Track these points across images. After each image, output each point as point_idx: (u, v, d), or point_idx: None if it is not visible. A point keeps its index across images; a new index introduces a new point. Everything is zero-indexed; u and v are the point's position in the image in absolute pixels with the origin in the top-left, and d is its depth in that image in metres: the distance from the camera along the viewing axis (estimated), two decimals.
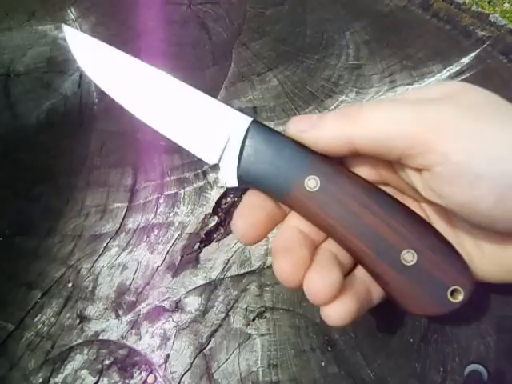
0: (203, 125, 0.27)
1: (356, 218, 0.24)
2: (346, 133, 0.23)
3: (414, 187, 0.25)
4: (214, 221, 0.37)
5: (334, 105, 0.41)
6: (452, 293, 0.24)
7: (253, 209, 0.26)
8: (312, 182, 0.24)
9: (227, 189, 0.38)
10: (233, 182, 0.27)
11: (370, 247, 0.24)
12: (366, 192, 0.24)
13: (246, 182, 0.26)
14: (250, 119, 0.27)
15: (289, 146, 0.25)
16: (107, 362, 0.33)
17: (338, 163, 0.26)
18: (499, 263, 0.25)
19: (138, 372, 0.33)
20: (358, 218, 0.24)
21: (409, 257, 0.24)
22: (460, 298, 0.24)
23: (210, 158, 0.27)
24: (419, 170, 0.23)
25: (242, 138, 0.26)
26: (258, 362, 0.33)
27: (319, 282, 0.23)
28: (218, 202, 0.38)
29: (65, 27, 0.30)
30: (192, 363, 0.33)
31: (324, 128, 0.24)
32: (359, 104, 0.24)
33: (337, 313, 0.23)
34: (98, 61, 0.29)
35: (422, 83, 0.41)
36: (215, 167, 0.27)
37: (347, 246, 0.25)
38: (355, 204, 0.24)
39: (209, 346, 0.33)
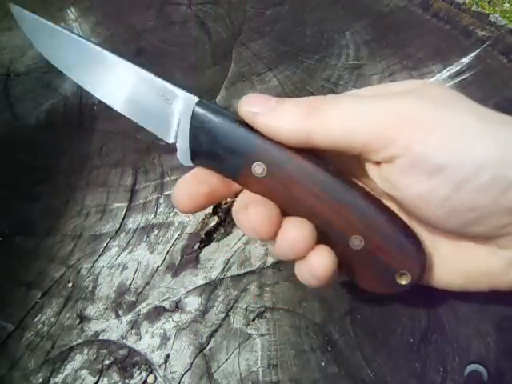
0: (153, 104, 0.27)
1: (303, 205, 0.24)
2: (305, 127, 0.22)
3: (371, 178, 0.24)
4: (214, 221, 0.37)
5: None
6: (401, 275, 0.24)
7: (195, 181, 0.25)
8: (259, 169, 0.24)
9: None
10: (188, 162, 0.26)
11: (318, 232, 0.24)
12: (314, 179, 0.24)
13: (199, 163, 0.26)
14: (196, 99, 0.25)
15: (235, 129, 0.24)
16: (107, 361, 0.33)
17: (288, 148, 0.24)
18: (456, 268, 0.24)
19: (138, 372, 0.33)
20: (306, 205, 0.24)
21: (356, 242, 0.24)
22: (408, 281, 0.24)
23: (167, 137, 0.27)
24: (378, 163, 0.23)
25: (189, 119, 0.25)
26: (258, 361, 0.33)
27: (295, 231, 0.23)
28: (218, 202, 0.38)
29: (13, 7, 0.29)
30: (192, 363, 0.33)
31: (281, 116, 0.23)
32: (321, 97, 0.23)
33: (319, 263, 0.23)
34: (49, 40, 0.29)
35: None
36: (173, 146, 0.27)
37: None
38: (302, 191, 0.24)
39: (209, 346, 0.33)
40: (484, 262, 0.23)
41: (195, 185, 0.25)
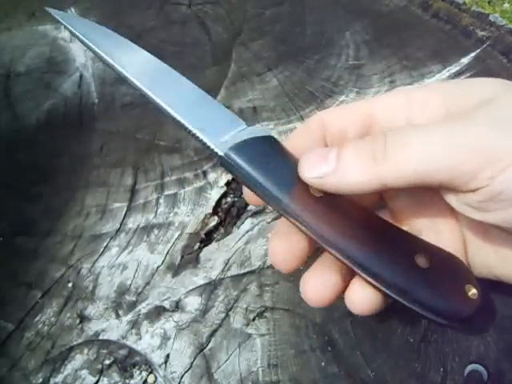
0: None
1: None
2: (375, 176, 0.21)
3: (447, 201, 0.23)
4: (214, 221, 0.37)
5: (334, 105, 0.41)
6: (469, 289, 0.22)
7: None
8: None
9: (227, 189, 0.38)
10: None
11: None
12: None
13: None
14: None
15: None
16: (107, 361, 0.33)
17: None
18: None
19: (138, 372, 0.33)
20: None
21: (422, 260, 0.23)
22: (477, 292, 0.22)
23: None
24: (457, 191, 0.22)
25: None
26: (258, 361, 0.33)
27: (315, 282, 0.24)
28: (218, 202, 0.38)
29: (52, 11, 0.30)
30: (192, 363, 0.33)
31: (347, 174, 0.22)
32: (382, 138, 0.22)
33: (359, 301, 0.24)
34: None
35: (422, 83, 0.41)
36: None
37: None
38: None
39: (209, 346, 0.33)
40: None
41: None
